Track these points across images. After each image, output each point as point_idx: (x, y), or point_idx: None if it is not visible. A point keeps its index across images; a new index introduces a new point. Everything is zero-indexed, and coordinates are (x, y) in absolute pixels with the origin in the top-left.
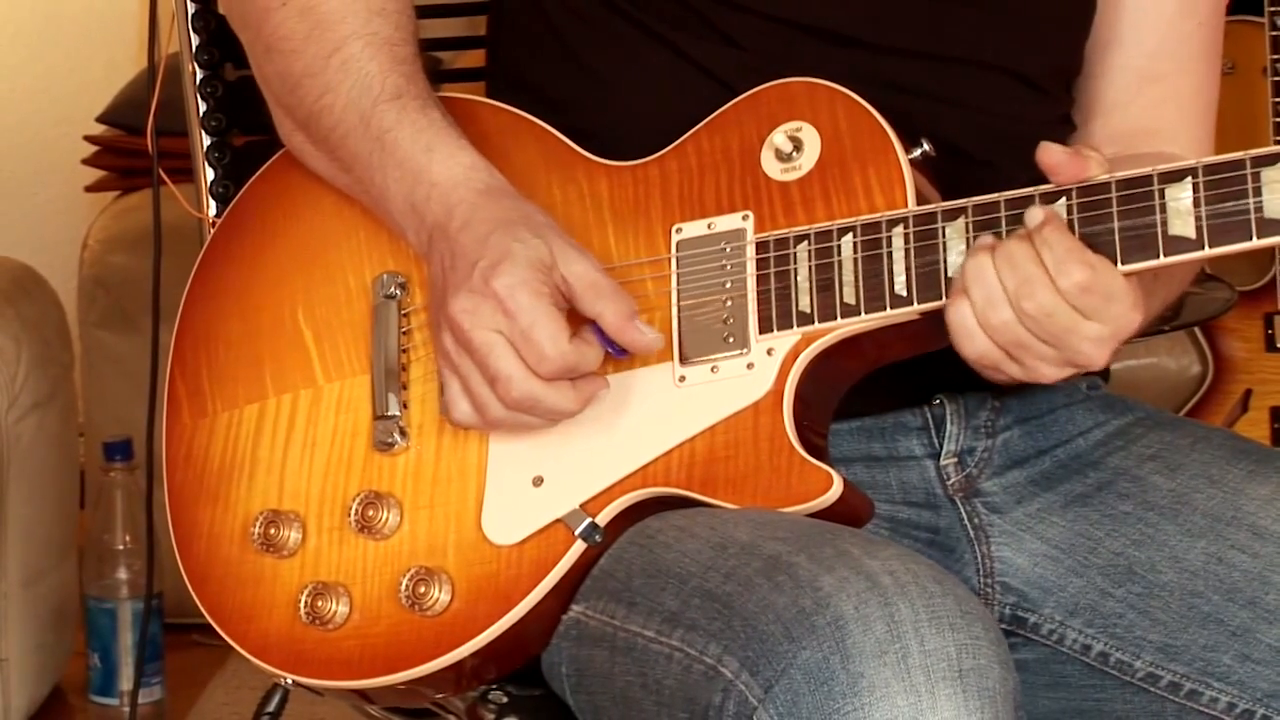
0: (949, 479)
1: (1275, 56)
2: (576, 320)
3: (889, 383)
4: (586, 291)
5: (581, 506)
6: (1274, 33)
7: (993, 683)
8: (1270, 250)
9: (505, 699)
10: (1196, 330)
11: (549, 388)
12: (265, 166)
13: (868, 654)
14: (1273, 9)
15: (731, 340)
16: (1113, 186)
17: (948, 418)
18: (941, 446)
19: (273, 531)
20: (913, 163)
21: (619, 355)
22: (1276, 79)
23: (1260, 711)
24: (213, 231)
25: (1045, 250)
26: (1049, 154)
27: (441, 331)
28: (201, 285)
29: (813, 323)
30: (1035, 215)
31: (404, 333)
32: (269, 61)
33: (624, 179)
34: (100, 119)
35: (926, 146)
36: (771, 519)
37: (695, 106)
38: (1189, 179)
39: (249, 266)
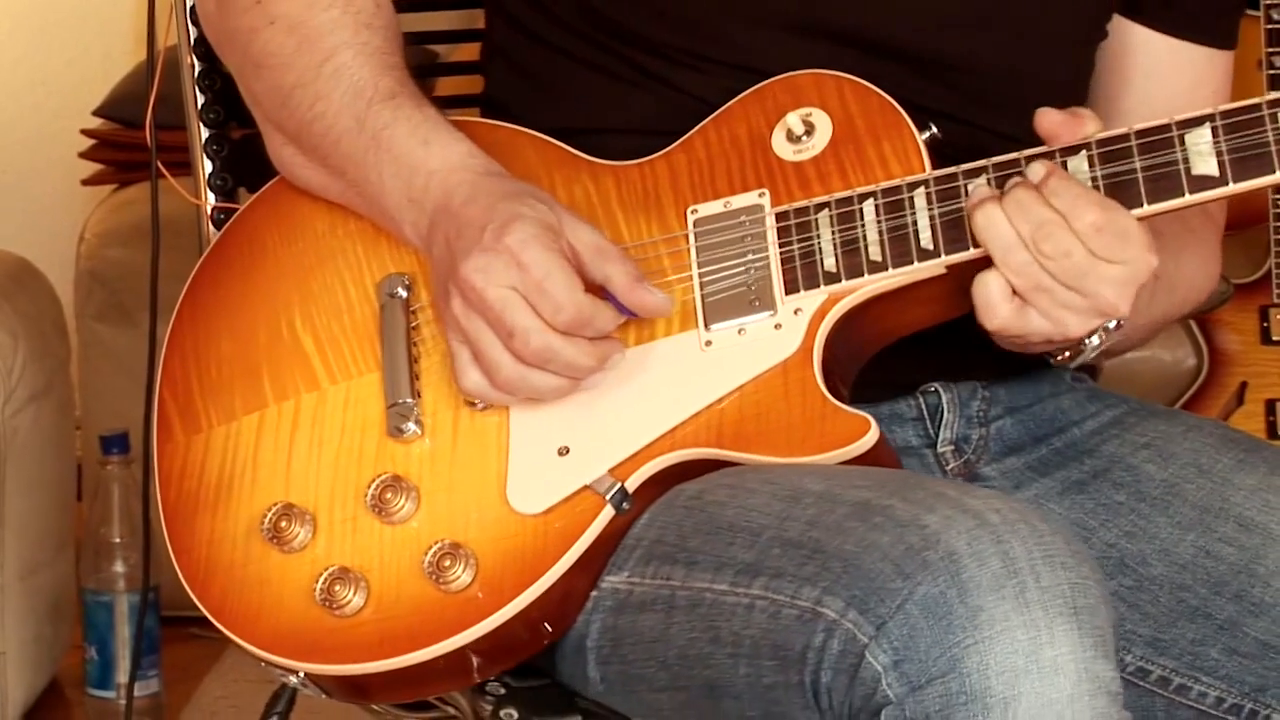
0: (948, 464)
1: (1271, 50)
2: (592, 290)
3: (882, 372)
4: (594, 257)
5: (609, 472)
6: (1270, 26)
7: (1102, 621)
8: (1265, 243)
9: (503, 690)
10: (1191, 323)
11: (566, 340)
12: (257, 194)
13: (985, 588)
14: (1268, 3)
15: (757, 303)
16: (1132, 136)
17: (943, 406)
18: (937, 435)
19: (284, 524)
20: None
21: (630, 315)
22: (1272, 72)
23: (1249, 706)
24: (204, 256)
25: (1055, 198)
26: (1047, 118)
27: (450, 300)
28: (191, 308)
29: (839, 280)
30: (1037, 171)
31: (412, 328)
32: (258, 79)
33: (631, 176)
34: (97, 112)
35: (934, 129)
36: (839, 470)
37: (684, 130)
38: (1207, 124)
39: (239, 289)
